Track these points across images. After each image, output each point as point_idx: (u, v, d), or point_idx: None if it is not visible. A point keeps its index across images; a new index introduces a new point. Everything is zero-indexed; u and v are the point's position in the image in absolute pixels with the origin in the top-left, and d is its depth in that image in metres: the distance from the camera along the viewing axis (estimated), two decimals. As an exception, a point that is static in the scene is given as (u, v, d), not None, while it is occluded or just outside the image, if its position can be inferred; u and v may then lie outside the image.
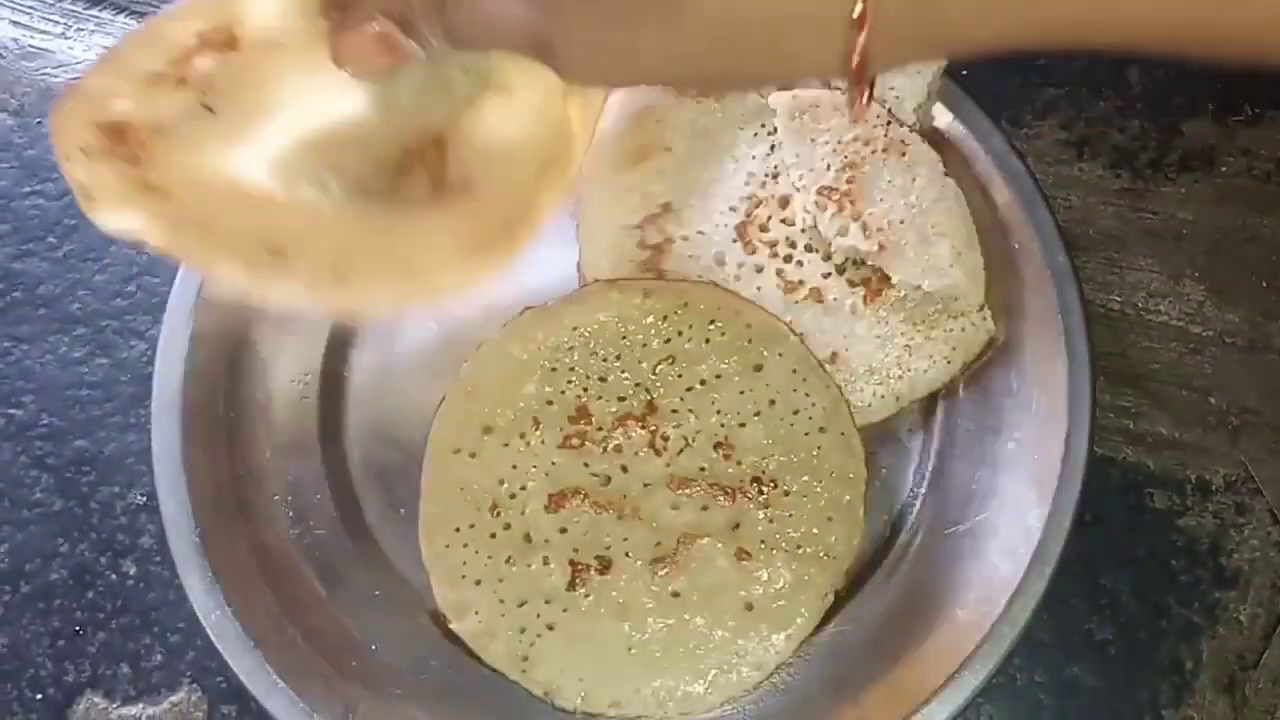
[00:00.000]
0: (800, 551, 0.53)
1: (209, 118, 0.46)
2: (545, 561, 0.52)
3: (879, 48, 0.36)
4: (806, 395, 0.54)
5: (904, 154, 0.55)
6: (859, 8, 0.35)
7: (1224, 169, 0.64)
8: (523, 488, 0.54)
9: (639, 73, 0.41)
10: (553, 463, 0.54)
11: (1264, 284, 0.62)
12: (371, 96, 0.47)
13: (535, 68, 0.41)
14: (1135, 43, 0.36)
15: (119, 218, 0.45)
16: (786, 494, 0.53)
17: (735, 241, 0.57)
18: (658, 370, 0.55)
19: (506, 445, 0.54)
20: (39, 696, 0.56)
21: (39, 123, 0.66)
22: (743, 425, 0.54)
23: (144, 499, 0.59)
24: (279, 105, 0.47)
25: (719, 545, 0.53)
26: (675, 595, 0.52)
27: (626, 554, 0.53)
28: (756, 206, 0.57)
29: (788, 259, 0.56)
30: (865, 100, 0.38)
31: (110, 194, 0.45)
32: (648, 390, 0.54)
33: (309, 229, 0.47)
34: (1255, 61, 0.36)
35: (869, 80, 0.37)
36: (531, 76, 0.48)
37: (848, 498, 0.54)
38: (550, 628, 0.52)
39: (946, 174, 0.56)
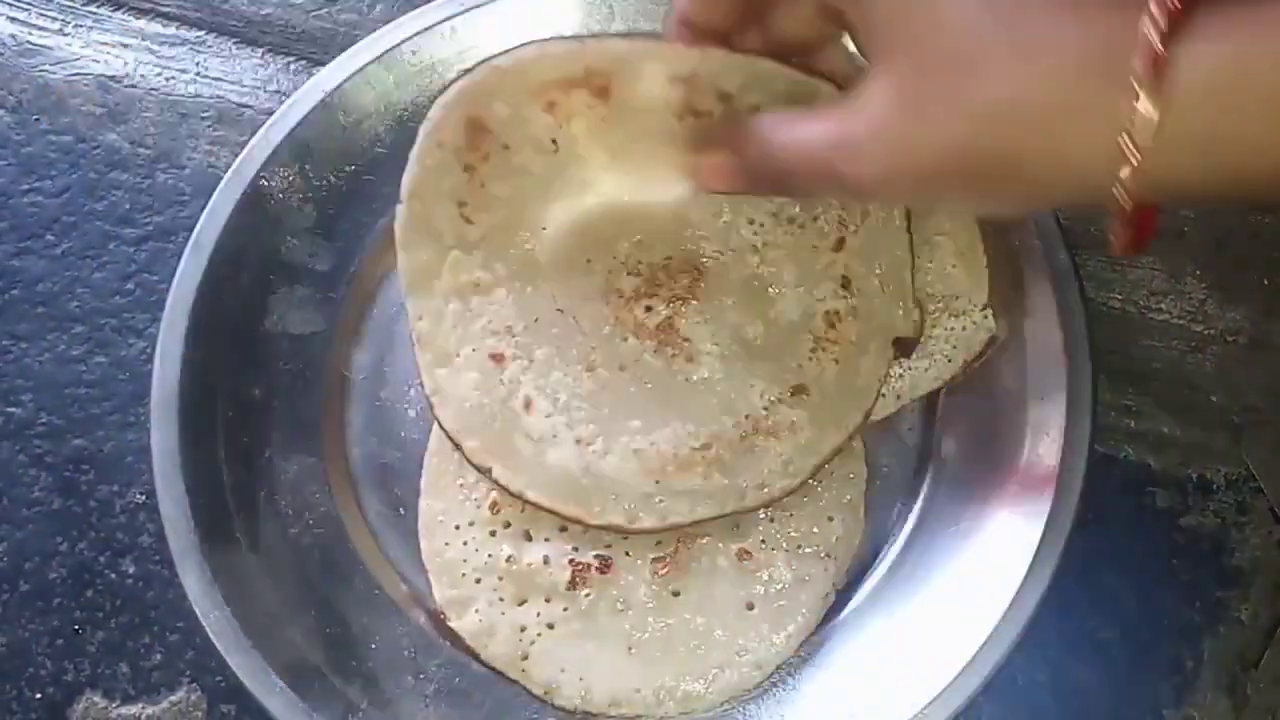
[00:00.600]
0: (801, 551, 0.53)
1: (546, 157, 0.51)
2: (545, 560, 0.52)
3: (1163, 155, 0.34)
4: (807, 394, 0.54)
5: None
6: (1147, 107, 0.33)
7: (1226, 166, 0.64)
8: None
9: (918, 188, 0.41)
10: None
11: (1266, 282, 0.62)
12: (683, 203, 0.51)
13: None
14: None
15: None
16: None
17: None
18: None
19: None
20: (38, 696, 0.56)
21: (37, 119, 0.65)
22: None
23: (143, 498, 0.59)
24: (607, 168, 0.51)
25: (719, 544, 0.53)
26: (675, 594, 0.52)
27: (627, 553, 0.53)
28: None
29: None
30: (1124, 223, 0.37)
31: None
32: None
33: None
34: None
35: (1138, 195, 0.35)
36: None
37: (848, 497, 0.54)
38: (550, 626, 0.52)
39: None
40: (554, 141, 0.50)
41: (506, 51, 0.49)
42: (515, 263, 0.52)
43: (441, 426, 0.52)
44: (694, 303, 0.52)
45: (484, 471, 0.51)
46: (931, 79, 0.37)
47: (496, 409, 0.52)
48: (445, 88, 0.49)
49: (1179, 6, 0.33)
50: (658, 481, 0.50)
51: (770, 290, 0.52)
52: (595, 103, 0.49)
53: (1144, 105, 0.33)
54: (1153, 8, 0.33)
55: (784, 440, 0.51)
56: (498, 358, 0.52)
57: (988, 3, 0.36)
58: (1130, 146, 0.34)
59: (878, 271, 0.53)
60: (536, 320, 0.52)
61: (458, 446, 0.52)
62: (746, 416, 0.51)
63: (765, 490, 0.51)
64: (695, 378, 0.51)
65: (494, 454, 0.51)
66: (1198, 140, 0.34)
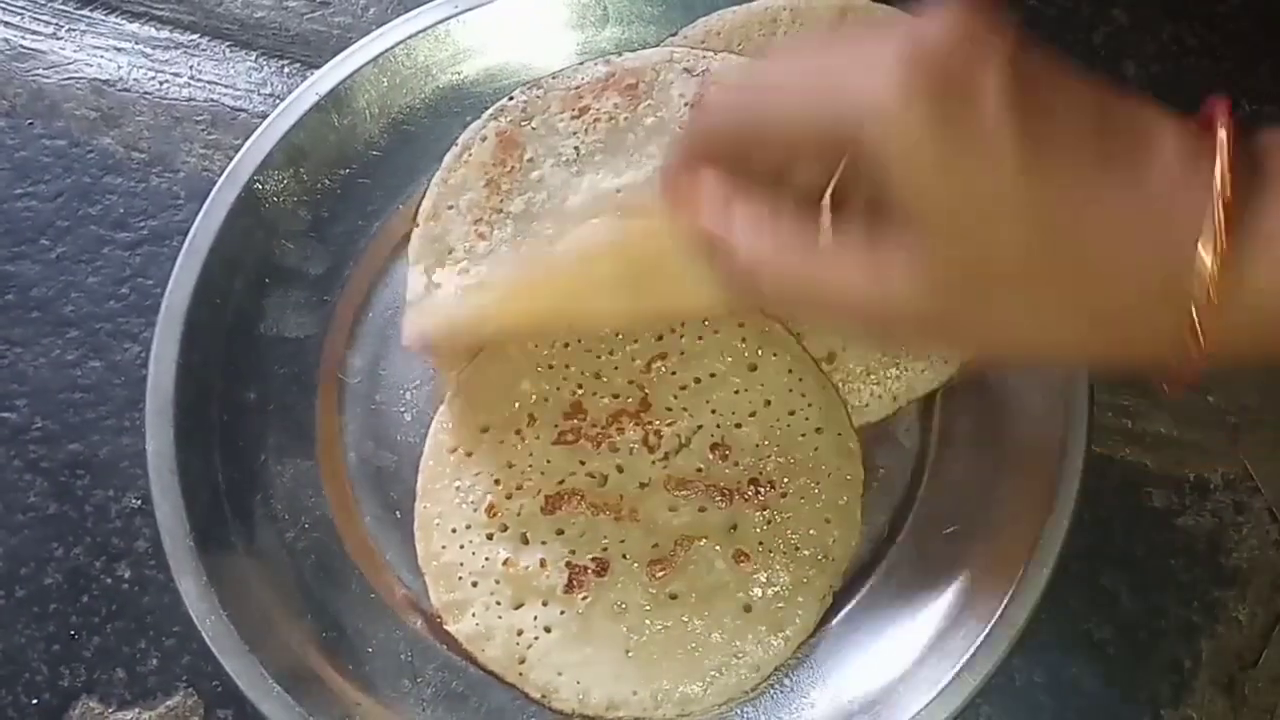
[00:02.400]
0: (798, 553, 0.53)
1: (564, 170, 0.54)
2: (542, 564, 0.52)
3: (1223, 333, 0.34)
4: (803, 396, 0.54)
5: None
6: (1207, 292, 0.33)
7: (1222, 165, 0.64)
8: (519, 487, 0.53)
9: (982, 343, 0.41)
10: (548, 460, 0.54)
11: (1264, 281, 0.62)
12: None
13: None
14: None
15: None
16: (784, 495, 0.53)
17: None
18: (651, 367, 0.55)
19: (502, 443, 0.54)
20: (34, 701, 0.56)
21: (30, 124, 0.65)
22: (739, 426, 0.54)
23: (138, 502, 0.58)
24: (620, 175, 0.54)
25: (717, 547, 0.53)
26: (673, 597, 0.52)
27: (624, 556, 0.52)
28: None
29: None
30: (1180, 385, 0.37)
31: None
32: (641, 387, 0.54)
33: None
34: None
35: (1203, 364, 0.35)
36: None
37: (845, 499, 0.54)
38: (547, 629, 0.52)
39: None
40: (576, 150, 0.54)
41: (541, 79, 0.54)
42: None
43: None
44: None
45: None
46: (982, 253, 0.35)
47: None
48: (442, 90, 0.50)
49: (1227, 237, 0.33)
50: None
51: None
52: (623, 103, 0.51)
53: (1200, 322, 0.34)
54: (1202, 252, 0.33)
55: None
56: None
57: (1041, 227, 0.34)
58: (1194, 347, 0.34)
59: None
60: None
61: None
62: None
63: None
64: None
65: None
66: (1256, 336, 0.35)
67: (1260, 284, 0.33)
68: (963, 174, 0.34)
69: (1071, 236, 0.34)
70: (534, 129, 0.55)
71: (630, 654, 0.52)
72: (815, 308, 0.40)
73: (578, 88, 0.55)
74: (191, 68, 0.66)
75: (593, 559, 0.52)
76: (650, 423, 0.54)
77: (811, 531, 0.53)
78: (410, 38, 0.60)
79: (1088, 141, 0.34)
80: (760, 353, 0.54)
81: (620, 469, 0.54)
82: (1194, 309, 0.33)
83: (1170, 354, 0.35)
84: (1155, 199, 0.34)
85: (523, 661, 0.52)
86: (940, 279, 0.35)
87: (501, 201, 0.55)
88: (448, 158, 0.54)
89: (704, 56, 0.56)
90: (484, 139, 0.55)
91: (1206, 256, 0.33)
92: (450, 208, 0.55)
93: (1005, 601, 0.50)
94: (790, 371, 0.54)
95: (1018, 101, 0.33)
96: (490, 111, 0.55)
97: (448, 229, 0.55)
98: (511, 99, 0.55)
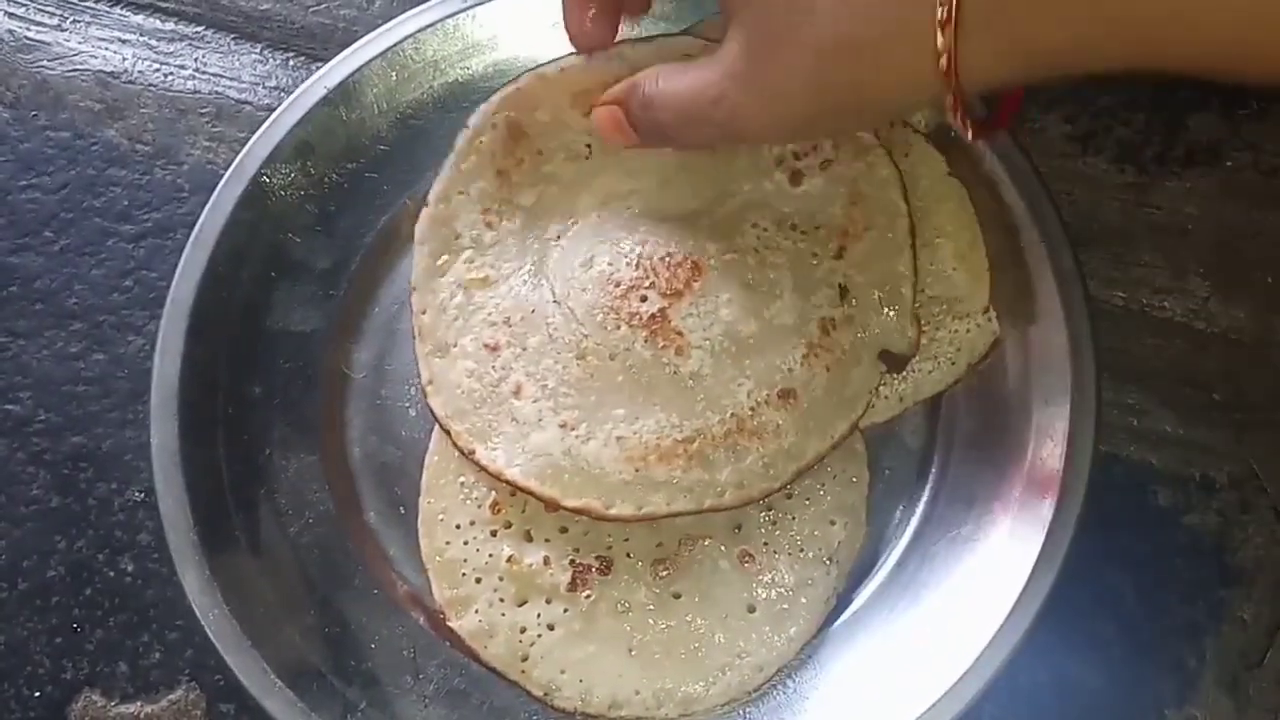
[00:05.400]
0: (803, 554, 0.53)
1: (578, 164, 0.55)
2: (546, 561, 0.52)
3: (968, 54, 0.39)
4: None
5: (907, 154, 0.55)
6: (942, 11, 0.38)
7: (1230, 164, 0.63)
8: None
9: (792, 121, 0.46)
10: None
11: (1270, 280, 0.61)
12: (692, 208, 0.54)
13: None
14: (1203, 65, 0.38)
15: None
16: (789, 496, 0.53)
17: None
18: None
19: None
20: (37, 694, 0.56)
21: (35, 115, 0.65)
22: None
23: (142, 495, 0.58)
24: (632, 173, 0.55)
25: (721, 547, 0.52)
26: (677, 596, 0.52)
27: (628, 555, 0.52)
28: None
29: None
30: (960, 116, 0.41)
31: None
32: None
33: None
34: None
35: (962, 90, 0.40)
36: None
37: (851, 500, 0.54)
38: (550, 627, 0.52)
39: (950, 174, 0.55)
40: (588, 146, 0.54)
41: (552, 61, 0.53)
42: (523, 263, 0.54)
43: (433, 413, 0.53)
44: (689, 297, 0.51)
45: (468, 454, 0.52)
46: (777, 26, 0.42)
47: (487, 394, 0.52)
48: (450, 85, 0.50)
49: None
50: (637, 470, 0.50)
51: (767, 292, 0.52)
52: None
53: (942, 15, 0.38)
54: None
55: (767, 442, 0.51)
56: (492, 346, 0.52)
57: None
58: (942, 53, 0.39)
59: (877, 284, 0.53)
60: (534, 311, 0.52)
61: (447, 431, 0.52)
62: (731, 415, 0.51)
63: (743, 490, 0.51)
64: (684, 371, 0.51)
65: (479, 436, 0.52)
66: (990, 32, 0.38)
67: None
68: None
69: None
70: (546, 122, 0.54)
71: (633, 653, 0.51)
72: (694, 120, 0.47)
73: (587, 89, 0.54)
74: (196, 60, 0.66)
75: (596, 557, 0.52)
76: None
77: (816, 532, 0.53)
78: (419, 32, 0.59)
79: None
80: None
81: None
82: (936, 35, 0.38)
83: (930, 79, 0.40)
84: None
85: (525, 659, 0.52)
86: (760, 41, 0.43)
87: (511, 193, 0.54)
88: (460, 141, 0.53)
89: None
90: (494, 126, 0.54)
91: None
92: (461, 193, 0.54)
93: (1010, 605, 0.50)
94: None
95: None
96: (499, 96, 0.54)
97: (456, 214, 0.54)
98: (518, 86, 0.54)
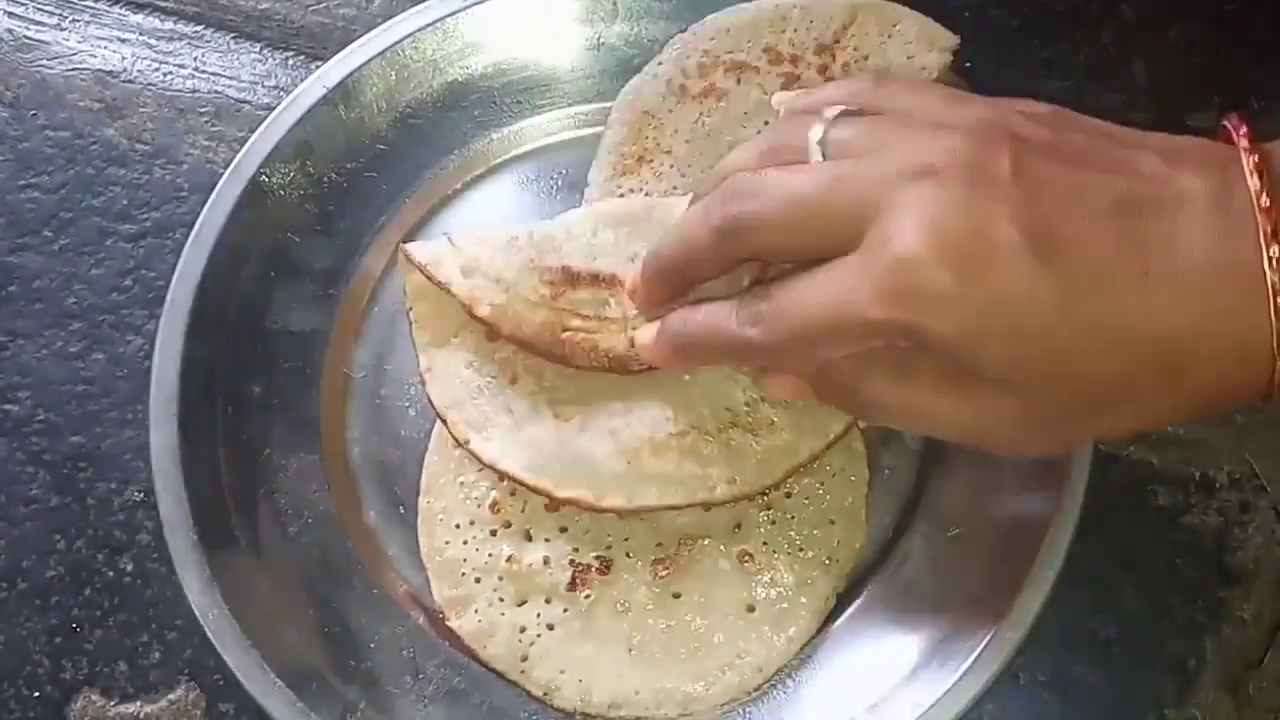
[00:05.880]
0: (802, 554, 0.52)
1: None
2: (545, 561, 0.52)
3: None
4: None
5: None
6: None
7: (1230, 163, 0.63)
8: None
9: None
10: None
11: (1269, 279, 0.61)
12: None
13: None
14: None
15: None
16: (788, 496, 0.53)
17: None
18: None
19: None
20: (36, 694, 0.56)
21: (34, 115, 0.65)
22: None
23: (141, 495, 0.58)
24: None
25: (721, 547, 0.52)
26: (676, 596, 0.52)
27: (628, 554, 0.52)
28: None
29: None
30: None
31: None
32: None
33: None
34: None
35: None
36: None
37: (850, 500, 0.53)
38: (550, 627, 0.52)
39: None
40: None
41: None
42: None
43: (430, 402, 0.52)
44: None
45: (463, 444, 0.52)
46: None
47: (484, 384, 0.52)
48: (449, 84, 0.50)
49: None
50: (629, 463, 0.50)
51: None
52: None
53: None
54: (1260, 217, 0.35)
55: (761, 439, 0.51)
56: (492, 336, 0.52)
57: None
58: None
59: None
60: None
61: (443, 420, 0.52)
62: (727, 410, 0.51)
63: (735, 485, 0.51)
64: None
65: (475, 426, 0.52)
66: None
67: None
68: (1010, 333, 0.37)
69: (1130, 340, 0.37)
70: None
71: (633, 653, 0.51)
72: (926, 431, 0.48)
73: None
74: (196, 59, 0.66)
75: (596, 557, 0.52)
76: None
77: (816, 532, 0.53)
78: (419, 31, 0.59)
79: (1110, 236, 0.36)
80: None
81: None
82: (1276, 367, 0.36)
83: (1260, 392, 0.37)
84: (1199, 271, 0.36)
85: (525, 659, 0.52)
86: (1037, 417, 0.39)
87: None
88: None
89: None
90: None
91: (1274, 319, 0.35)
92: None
93: (1010, 603, 0.50)
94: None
95: (1037, 239, 0.36)
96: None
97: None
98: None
